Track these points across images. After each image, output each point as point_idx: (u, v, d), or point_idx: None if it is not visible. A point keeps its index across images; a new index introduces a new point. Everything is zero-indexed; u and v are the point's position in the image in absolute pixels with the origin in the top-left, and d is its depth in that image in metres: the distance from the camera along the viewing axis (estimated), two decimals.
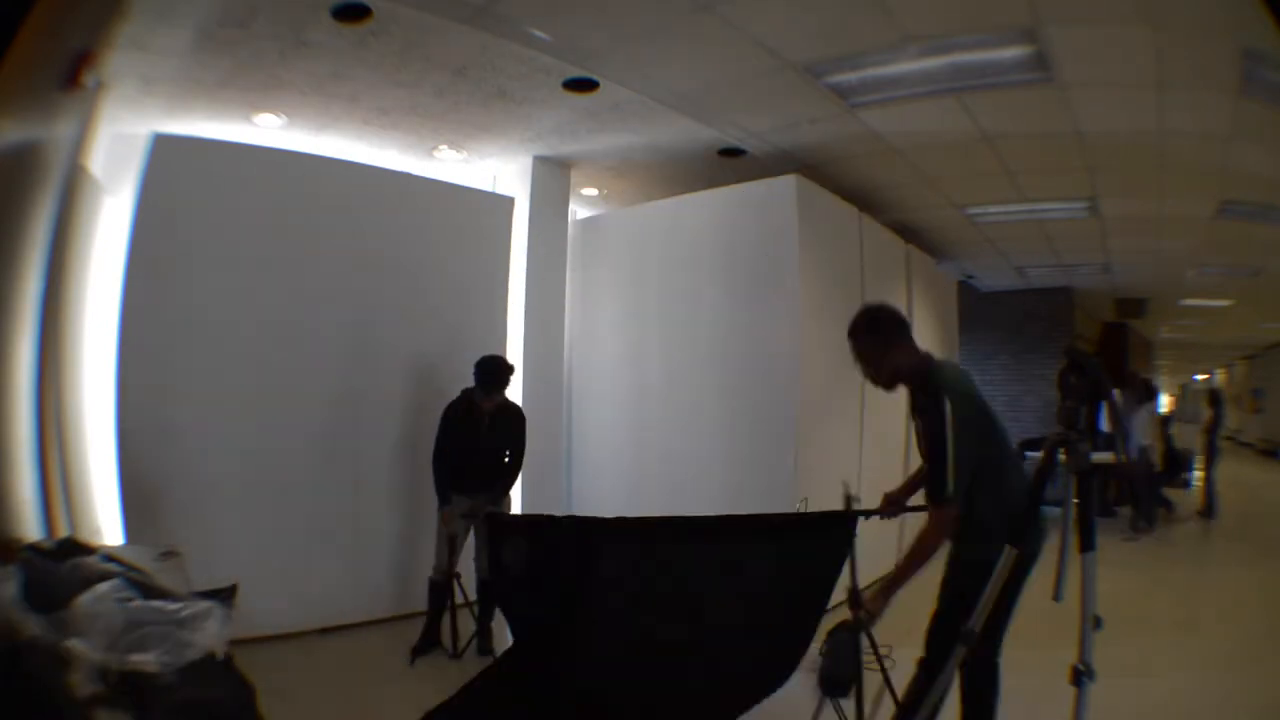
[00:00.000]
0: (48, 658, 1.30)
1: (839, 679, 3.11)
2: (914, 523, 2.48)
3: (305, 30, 3.01)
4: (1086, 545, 1.90)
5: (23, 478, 2.23)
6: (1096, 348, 9.97)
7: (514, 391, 4.53)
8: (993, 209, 5.47)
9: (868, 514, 2.30)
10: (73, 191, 2.77)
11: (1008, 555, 2.07)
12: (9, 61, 1.56)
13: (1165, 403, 24.25)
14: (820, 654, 3.41)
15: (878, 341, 2.14)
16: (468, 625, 3.45)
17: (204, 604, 1.62)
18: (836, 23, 2.96)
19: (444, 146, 4.39)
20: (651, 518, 2.33)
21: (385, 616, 3.72)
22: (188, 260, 3.40)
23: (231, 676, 1.55)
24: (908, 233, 5.78)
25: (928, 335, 5.97)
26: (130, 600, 1.56)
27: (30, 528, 2.16)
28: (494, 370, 3.45)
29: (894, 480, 5.41)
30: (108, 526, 3.23)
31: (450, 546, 3.42)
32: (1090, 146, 4.05)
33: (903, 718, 2.21)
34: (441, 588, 3.44)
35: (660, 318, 4.61)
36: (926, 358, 2.17)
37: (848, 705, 2.33)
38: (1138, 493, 6.97)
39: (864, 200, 4.96)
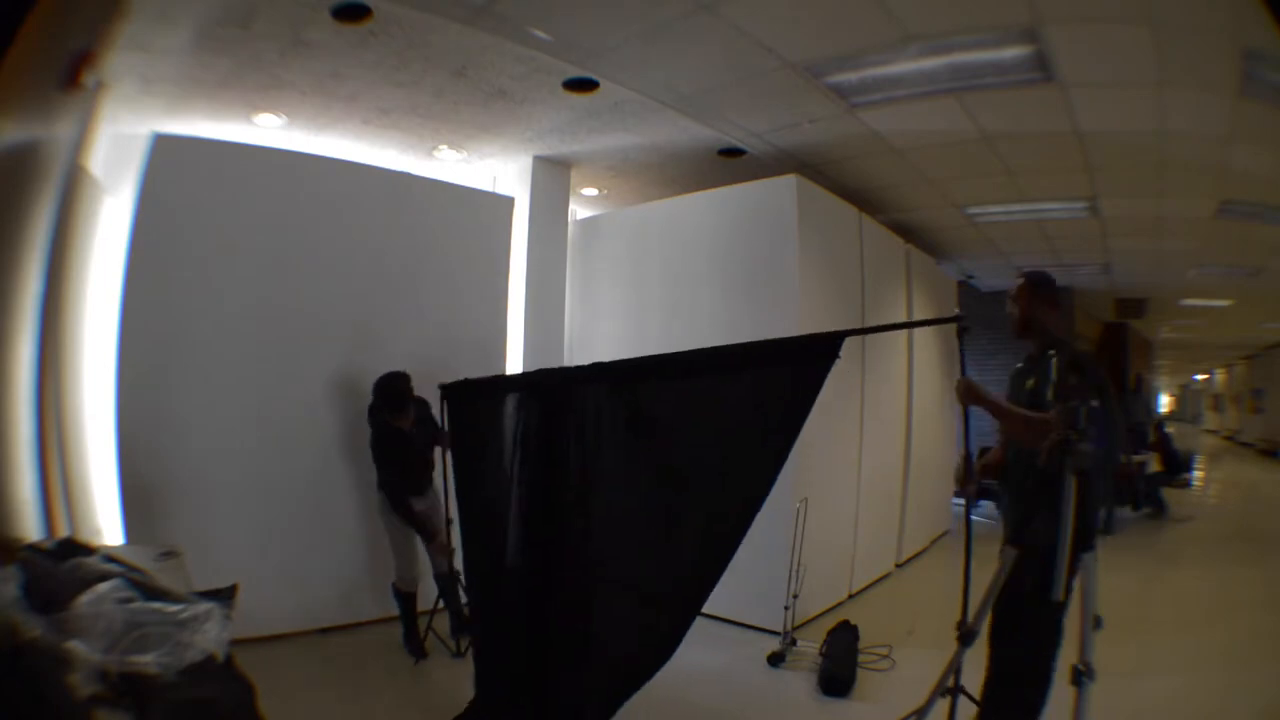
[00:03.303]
0: (48, 659, 1.30)
1: (839, 678, 3.13)
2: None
3: (305, 30, 3.01)
4: (1086, 545, 1.90)
5: (23, 478, 2.22)
6: (1096, 348, 9.97)
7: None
8: (993, 209, 5.48)
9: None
10: (73, 191, 2.76)
11: (1007, 555, 2.08)
12: (9, 61, 1.56)
13: (1165, 402, 24.32)
14: (820, 654, 3.43)
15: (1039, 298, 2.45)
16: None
17: (204, 605, 1.62)
18: (837, 23, 2.96)
19: (444, 146, 4.39)
20: (616, 361, 2.38)
21: (386, 616, 3.72)
22: (188, 260, 3.40)
23: (232, 677, 1.54)
24: (908, 233, 5.78)
25: (927, 334, 5.98)
26: (130, 601, 1.56)
27: (30, 528, 2.16)
28: (398, 392, 3.30)
29: (893, 478, 5.42)
30: (108, 526, 3.23)
31: (411, 548, 3.45)
32: (1090, 146, 4.06)
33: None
34: (411, 595, 3.48)
35: (660, 318, 4.61)
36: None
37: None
38: (1137, 490, 7.04)
39: (864, 200, 4.97)
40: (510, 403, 2.54)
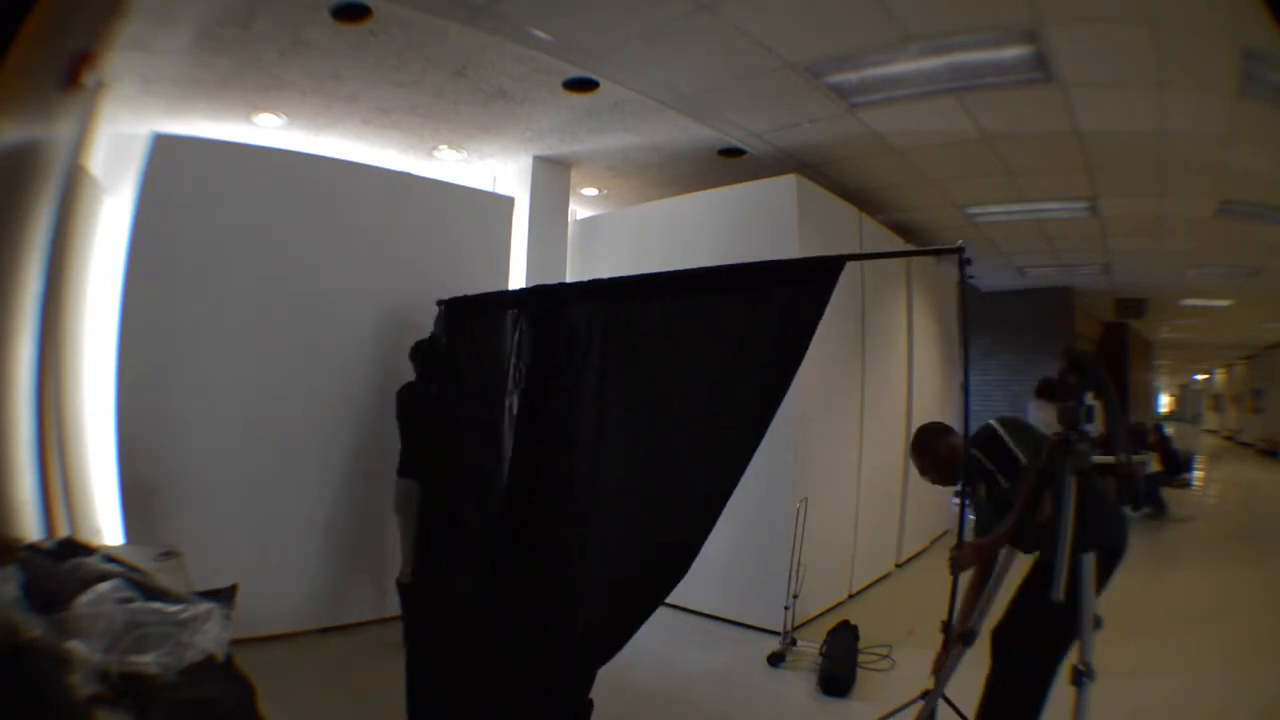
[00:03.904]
0: (48, 659, 1.30)
1: (839, 678, 3.13)
2: None
3: (305, 30, 3.01)
4: (1086, 545, 1.90)
5: (23, 478, 2.22)
6: (1096, 348, 9.98)
7: None
8: (993, 209, 5.48)
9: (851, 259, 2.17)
10: (73, 191, 2.76)
11: (1008, 556, 2.08)
12: (9, 61, 1.56)
13: (1165, 403, 24.33)
14: (820, 654, 3.43)
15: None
16: None
17: (204, 605, 1.62)
18: (837, 22, 2.96)
19: (444, 146, 4.40)
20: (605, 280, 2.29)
21: (386, 616, 3.72)
22: (188, 260, 3.40)
23: (232, 677, 1.54)
24: (908, 233, 5.78)
25: (928, 335, 5.98)
26: (130, 601, 1.56)
27: (30, 528, 2.16)
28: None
29: (893, 478, 5.41)
30: (108, 526, 3.23)
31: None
32: (1090, 146, 4.06)
33: None
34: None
35: None
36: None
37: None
38: (1136, 491, 7.02)
39: (864, 200, 4.97)
40: (506, 319, 2.44)
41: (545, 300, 2.34)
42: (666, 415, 2.01)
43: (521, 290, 2.44)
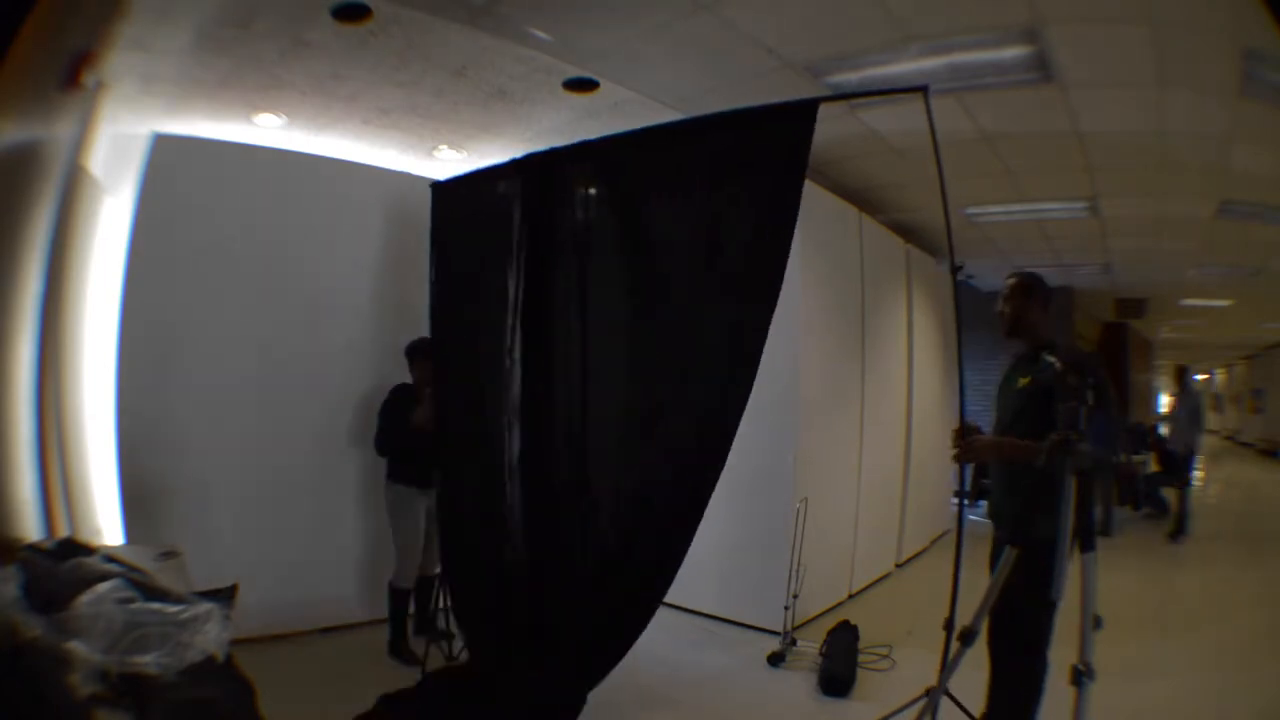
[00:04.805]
0: (48, 659, 1.30)
1: (839, 678, 3.13)
2: None
3: (305, 30, 3.01)
4: (1086, 545, 1.90)
5: (23, 478, 2.22)
6: (1096, 348, 9.97)
7: None
8: (993, 209, 5.47)
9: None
10: (73, 191, 2.76)
11: (1009, 555, 2.08)
12: (9, 61, 1.56)
13: (1165, 403, 24.30)
14: (820, 654, 3.43)
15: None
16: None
17: (204, 605, 1.62)
18: (837, 23, 2.96)
19: (444, 146, 4.39)
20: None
21: (386, 617, 3.72)
22: (188, 260, 3.40)
23: (232, 677, 1.54)
24: (908, 233, 5.78)
25: (927, 334, 5.98)
26: (130, 601, 1.56)
27: (30, 528, 2.16)
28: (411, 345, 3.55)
29: (893, 478, 5.41)
30: (108, 526, 3.23)
31: (416, 548, 3.43)
32: (1090, 146, 4.06)
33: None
34: (407, 593, 3.45)
35: None
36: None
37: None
38: (1137, 490, 7.04)
39: (864, 200, 4.96)
40: (506, 190, 2.51)
41: (541, 169, 2.38)
42: (669, 257, 2.16)
43: (514, 160, 2.51)
